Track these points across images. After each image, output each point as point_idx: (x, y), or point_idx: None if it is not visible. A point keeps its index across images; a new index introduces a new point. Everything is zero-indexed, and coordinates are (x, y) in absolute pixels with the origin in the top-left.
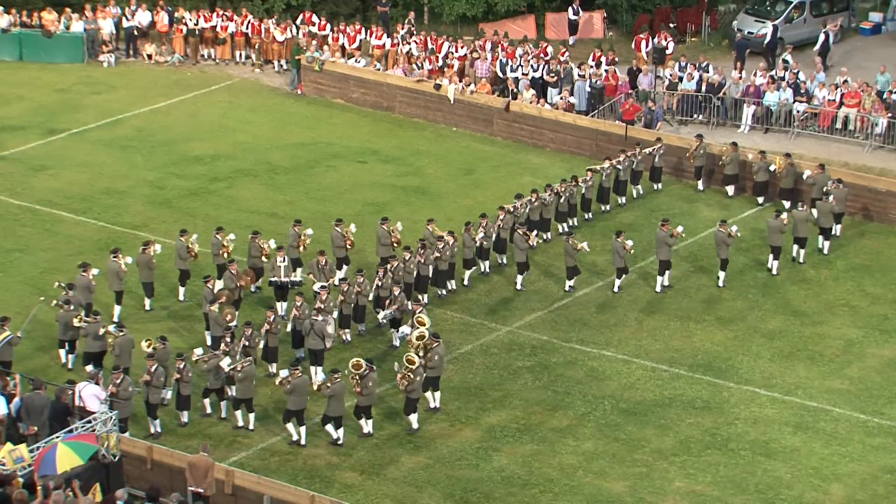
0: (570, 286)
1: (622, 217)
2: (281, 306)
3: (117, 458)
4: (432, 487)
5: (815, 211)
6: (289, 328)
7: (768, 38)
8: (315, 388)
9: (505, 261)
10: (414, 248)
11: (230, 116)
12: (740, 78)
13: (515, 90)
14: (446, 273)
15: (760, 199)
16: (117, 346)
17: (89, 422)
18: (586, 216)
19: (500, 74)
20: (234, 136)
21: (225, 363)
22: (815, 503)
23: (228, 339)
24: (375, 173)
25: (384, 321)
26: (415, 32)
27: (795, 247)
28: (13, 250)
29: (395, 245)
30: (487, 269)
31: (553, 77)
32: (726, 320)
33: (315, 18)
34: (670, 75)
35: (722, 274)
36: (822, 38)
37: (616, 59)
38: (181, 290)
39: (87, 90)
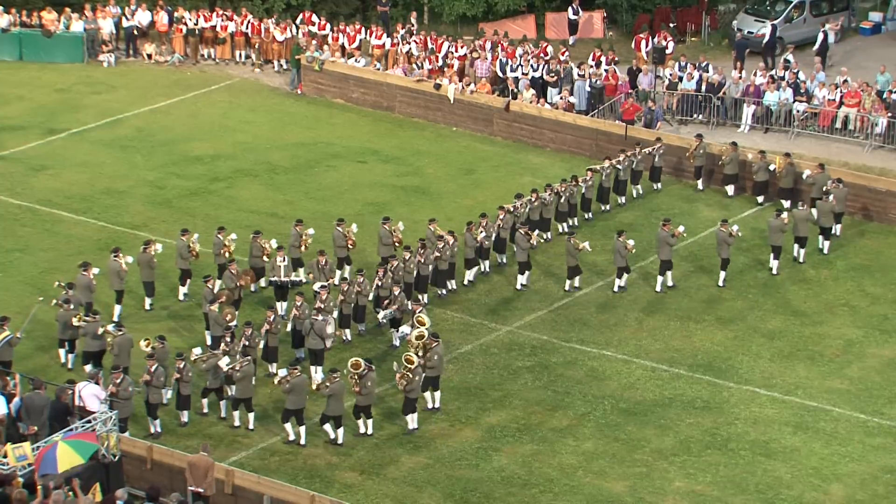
0: (573, 286)
1: (622, 217)
2: (281, 306)
3: (117, 457)
4: (432, 487)
5: (814, 211)
6: (289, 328)
7: (767, 37)
8: (314, 387)
9: (505, 260)
10: (414, 248)
11: (230, 116)
12: (740, 78)
13: (515, 90)
14: (446, 273)
15: (760, 199)
16: (116, 346)
17: (89, 422)
18: (586, 216)
19: (500, 74)
20: (234, 136)
21: (223, 363)
22: (815, 503)
23: (228, 339)
24: (375, 173)
25: (384, 321)
26: (415, 32)
27: (796, 246)
28: (13, 250)
29: (396, 245)
30: (487, 269)
31: (553, 77)
32: (726, 320)
33: (315, 18)
34: (670, 75)
35: (723, 273)
36: (820, 37)
37: (617, 59)
38: (181, 289)
39: (87, 90)
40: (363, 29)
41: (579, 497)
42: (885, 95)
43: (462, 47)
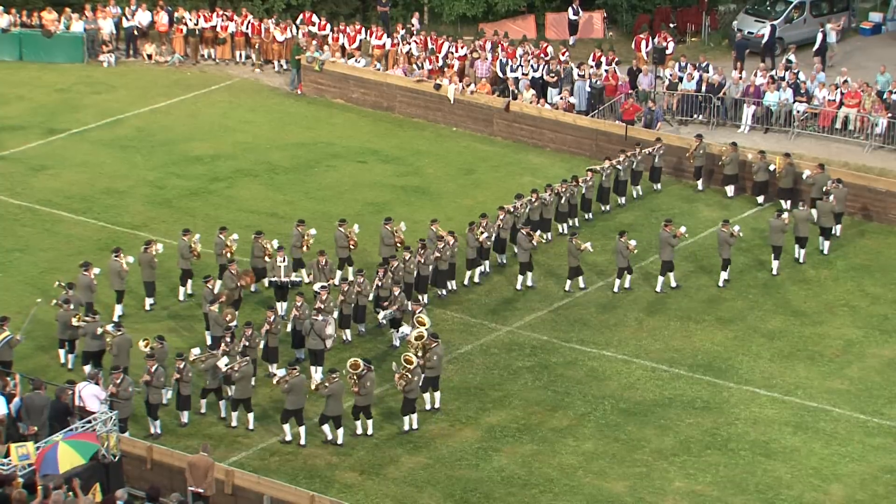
0: (578, 286)
1: (622, 217)
2: (281, 306)
3: (117, 458)
4: (432, 487)
5: (814, 211)
6: (289, 328)
7: (766, 37)
8: (313, 387)
9: (505, 261)
10: (414, 248)
11: (230, 116)
12: (740, 78)
13: (515, 90)
14: (446, 273)
15: (760, 199)
16: (115, 346)
17: (89, 422)
18: (586, 216)
19: (500, 74)
20: (234, 136)
21: (222, 363)
22: (815, 503)
23: (228, 339)
24: (375, 173)
25: (384, 321)
26: (415, 32)
27: (796, 247)
28: (13, 250)
29: (398, 245)
30: (487, 269)
31: (553, 77)
32: (726, 320)
33: (315, 18)
34: (670, 75)
35: (723, 274)
36: (819, 37)
37: (618, 60)
38: (182, 289)
39: (87, 90)
40: (363, 29)
41: (579, 497)
42: (885, 96)
43: (462, 47)
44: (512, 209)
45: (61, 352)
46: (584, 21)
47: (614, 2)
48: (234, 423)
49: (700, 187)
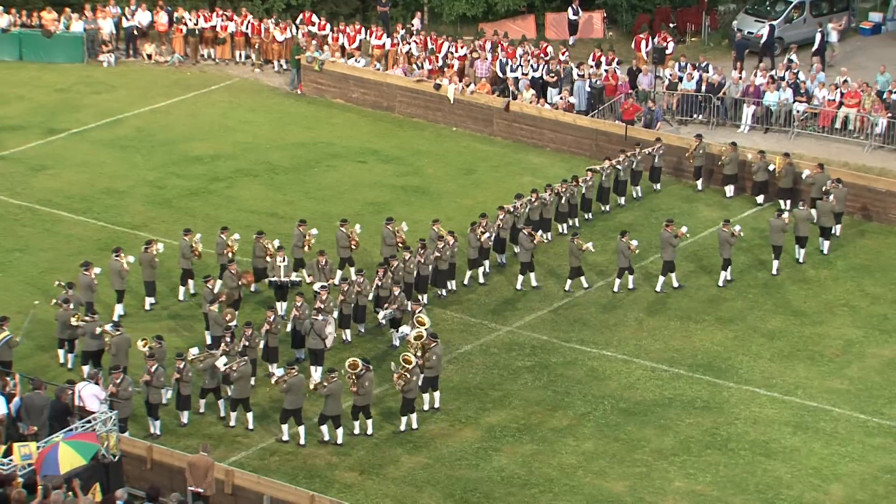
0: (580, 286)
1: (622, 217)
2: (281, 306)
3: (117, 458)
4: (432, 487)
5: (814, 211)
6: (289, 328)
7: (764, 37)
8: (311, 387)
9: (505, 261)
10: (414, 248)
11: (230, 116)
12: (740, 78)
13: (515, 90)
14: (446, 273)
15: (760, 199)
16: (114, 346)
17: (89, 422)
18: (586, 216)
19: (500, 74)
20: (234, 136)
21: (220, 363)
22: (815, 503)
23: (228, 339)
24: (375, 173)
25: (384, 321)
26: (420, 33)
27: (796, 247)
28: (13, 250)
29: (400, 245)
30: (487, 269)
31: (553, 77)
32: (726, 320)
33: (315, 18)
34: (670, 75)
35: (723, 274)
36: (818, 37)
37: (620, 61)
38: (181, 289)
39: (87, 90)
40: (363, 29)
41: (579, 497)
42: (884, 95)
43: (462, 47)
44: (512, 209)
45: (60, 352)
46: (584, 21)
47: (614, 2)
48: (232, 423)
49: (699, 187)
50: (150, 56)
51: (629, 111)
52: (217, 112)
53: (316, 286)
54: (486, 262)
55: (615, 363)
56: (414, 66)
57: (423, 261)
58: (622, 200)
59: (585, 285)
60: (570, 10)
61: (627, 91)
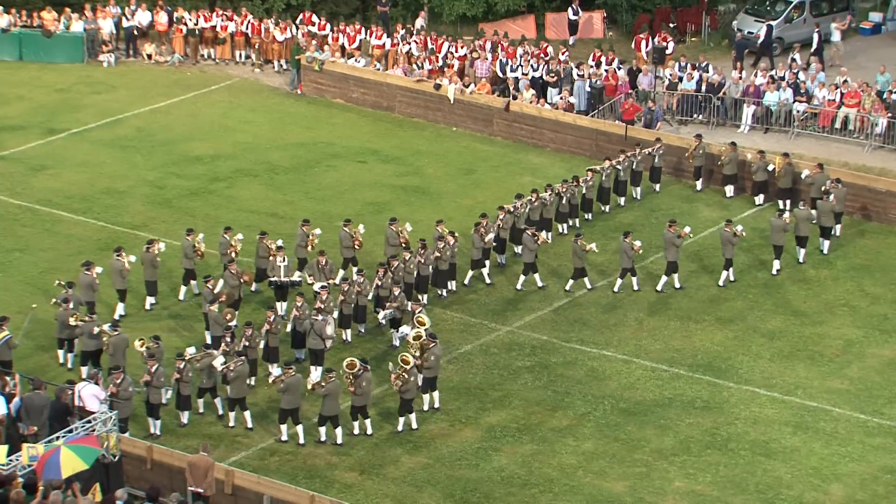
0: (582, 286)
1: (622, 217)
2: (281, 306)
3: (117, 458)
4: (432, 487)
5: (814, 212)
6: (289, 328)
7: (762, 37)
8: (309, 387)
9: (505, 261)
10: (414, 248)
11: (230, 116)
12: (740, 78)
13: (515, 91)
14: (446, 273)
15: (759, 199)
16: (111, 346)
17: (89, 422)
18: (586, 216)
19: (500, 74)
20: (234, 136)
21: (218, 362)
22: (815, 503)
23: (228, 339)
24: (375, 173)
25: (384, 321)
26: (420, 32)
27: (797, 246)
28: (13, 250)
29: (403, 246)
30: (487, 269)
31: (553, 77)
32: (726, 320)
33: (315, 18)
34: (670, 75)
35: (725, 273)
36: (815, 38)
37: (623, 60)
38: (183, 289)
39: (87, 90)
40: (363, 29)
41: (579, 497)
42: (884, 95)
43: (462, 47)
44: (512, 209)
45: (60, 352)
46: (584, 21)
47: (614, 2)
48: (231, 424)
49: (699, 187)
50: (150, 56)
51: (629, 111)
52: (217, 112)
53: (316, 286)
54: (487, 263)
55: (615, 363)
56: (414, 66)
57: (423, 261)
58: (622, 201)
59: (588, 286)
60: (570, 10)
61: (627, 91)
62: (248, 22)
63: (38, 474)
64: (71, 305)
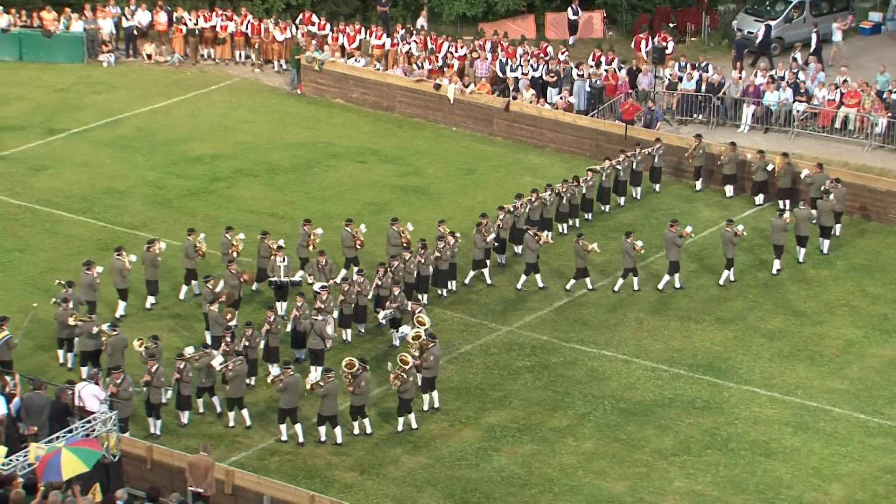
0: (584, 286)
1: (622, 217)
2: (281, 306)
3: (117, 458)
4: (432, 487)
5: (814, 211)
6: (289, 328)
7: (760, 37)
8: (308, 387)
9: (505, 261)
10: (414, 248)
11: (230, 116)
12: (740, 78)
13: (515, 91)
14: (447, 273)
15: (759, 199)
16: (110, 346)
17: (89, 422)
18: (587, 216)
19: (500, 74)
20: (234, 136)
21: (216, 362)
22: (815, 503)
23: (229, 339)
24: (375, 173)
25: (384, 321)
26: (414, 32)
27: (797, 246)
28: (13, 250)
29: (405, 246)
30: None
31: (553, 77)
32: (726, 320)
33: (315, 18)
34: (670, 75)
35: (726, 273)
36: (814, 38)
37: (625, 60)
38: (184, 288)
39: (87, 90)
40: (363, 29)
41: (579, 497)
42: (884, 95)
43: (462, 47)
44: (512, 209)
45: (60, 352)
46: (584, 21)
47: (614, 2)
48: (231, 424)
49: (699, 187)
50: (150, 56)
51: (629, 111)
52: (217, 112)
53: (316, 286)
54: (488, 262)
55: (615, 363)
56: (414, 66)
57: (423, 261)
58: (622, 201)
59: (589, 286)
60: (570, 10)
61: (627, 91)
62: (248, 22)
63: (39, 475)
64: (70, 305)
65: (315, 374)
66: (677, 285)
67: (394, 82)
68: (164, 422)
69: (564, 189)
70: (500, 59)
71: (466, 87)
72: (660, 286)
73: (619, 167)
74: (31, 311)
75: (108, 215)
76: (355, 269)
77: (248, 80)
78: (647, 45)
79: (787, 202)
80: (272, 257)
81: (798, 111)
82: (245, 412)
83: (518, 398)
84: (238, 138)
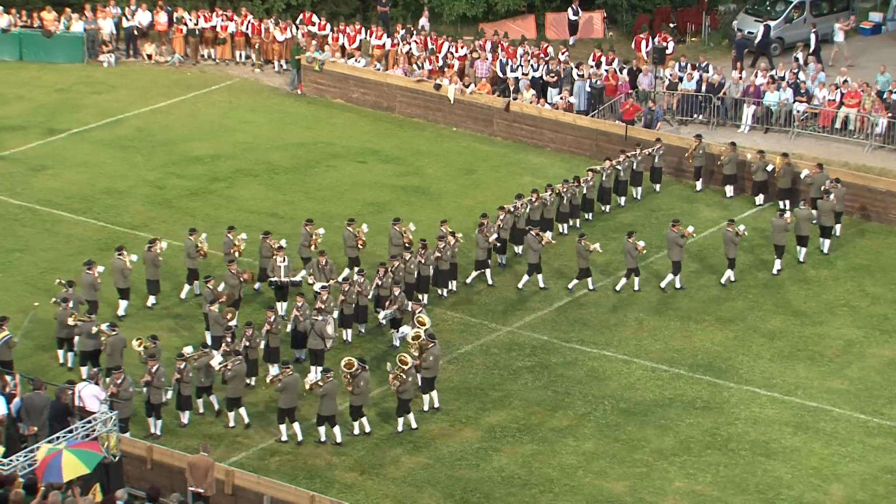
0: (585, 287)
1: (622, 217)
2: (281, 306)
3: (117, 458)
4: (432, 487)
5: (814, 211)
6: (289, 328)
7: (759, 37)
8: (307, 387)
9: (505, 261)
10: (415, 248)
11: (230, 116)
12: (740, 78)
13: (515, 91)
14: (447, 273)
15: (759, 199)
16: (109, 346)
17: (89, 422)
18: (587, 216)
19: (500, 74)
20: (234, 136)
21: (215, 361)
22: (815, 503)
23: (229, 339)
24: (375, 173)
25: (384, 321)
26: (423, 32)
27: (798, 246)
28: (13, 250)
29: (407, 246)
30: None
31: (553, 77)
32: (726, 320)
33: (315, 18)
34: (670, 75)
35: (729, 273)
36: (812, 38)
37: (625, 62)
38: (186, 288)
39: (87, 90)
40: (363, 29)
41: (579, 497)
42: (885, 95)
43: (462, 47)
44: (512, 209)
45: (60, 352)
46: (584, 21)
47: (614, 2)
48: (231, 424)
49: (699, 187)
50: (150, 56)
51: (629, 111)
52: (217, 112)
53: (316, 286)
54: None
55: (615, 363)
56: (414, 66)
57: (423, 261)
58: (622, 201)
59: (591, 286)
60: (570, 10)
61: (627, 91)
62: (248, 22)
63: (39, 476)
64: (70, 304)
65: (314, 374)
66: (677, 285)
67: (394, 82)
68: (164, 422)
69: (565, 189)
70: (501, 60)
71: (467, 87)
72: (662, 284)
73: (619, 167)
74: (32, 310)
75: (108, 215)
76: (355, 269)
77: (248, 81)
78: (647, 46)
79: (787, 202)
80: (273, 257)
81: (798, 111)
82: (243, 410)
83: (518, 398)
84: (238, 138)
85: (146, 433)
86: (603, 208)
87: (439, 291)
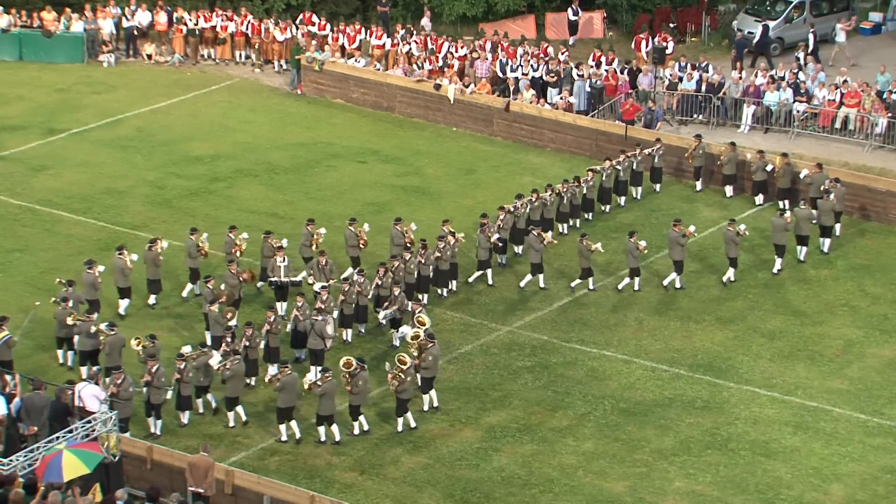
0: (586, 287)
1: (622, 217)
2: (281, 306)
3: (117, 458)
4: (432, 487)
5: (814, 211)
6: (289, 328)
7: (757, 37)
8: (306, 387)
9: (505, 261)
10: (415, 248)
11: (230, 116)
12: (740, 78)
13: (515, 91)
14: (447, 273)
15: (759, 199)
16: (107, 345)
17: (89, 422)
18: (587, 216)
19: (500, 74)
20: (234, 136)
21: (214, 361)
22: (815, 503)
23: (229, 339)
24: (375, 173)
25: (384, 321)
26: (415, 32)
27: (798, 246)
28: (13, 250)
29: (408, 246)
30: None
31: (553, 77)
32: (726, 320)
33: (315, 18)
34: (670, 75)
35: (730, 272)
36: (811, 38)
37: (627, 62)
38: (188, 286)
39: (87, 90)
40: (363, 29)
41: (579, 497)
42: (884, 95)
43: (462, 47)
44: (512, 209)
45: (59, 351)
46: (584, 21)
47: (614, 2)
48: (231, 424)
49: (699, 187)
50: (150, 56)
51: (629, 111)
52: (217, 112)
53: (316, 286)
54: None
55: (615, 363)
56: (414, 66)
57: (423, 261)
58: (622, 201)
59: (591, 287)
60: (570, 10)
61: (627, 91)
62: (248, 22)
63: (40, 476)
64: (70, 304)
65: (313, 373)
66: (678, 285)
67: (394, 82)
68: (164, 422)
69: (565, 189)
70: (501, 60)
71: (466, 87)
72: (665, 283)
73: (619, 167)
74: (32, 310)
75: (108, 215)
76: (356, 269)
77: (248, 81)
78: (647, 46)
79: (787, 202)
80: (273, 257)
81: (798, 111)
82: (240, 408)
83: (518, 398)
84: (238, 138)
85: (146, 433)
86: (603, 208)
87: (439, 291)
